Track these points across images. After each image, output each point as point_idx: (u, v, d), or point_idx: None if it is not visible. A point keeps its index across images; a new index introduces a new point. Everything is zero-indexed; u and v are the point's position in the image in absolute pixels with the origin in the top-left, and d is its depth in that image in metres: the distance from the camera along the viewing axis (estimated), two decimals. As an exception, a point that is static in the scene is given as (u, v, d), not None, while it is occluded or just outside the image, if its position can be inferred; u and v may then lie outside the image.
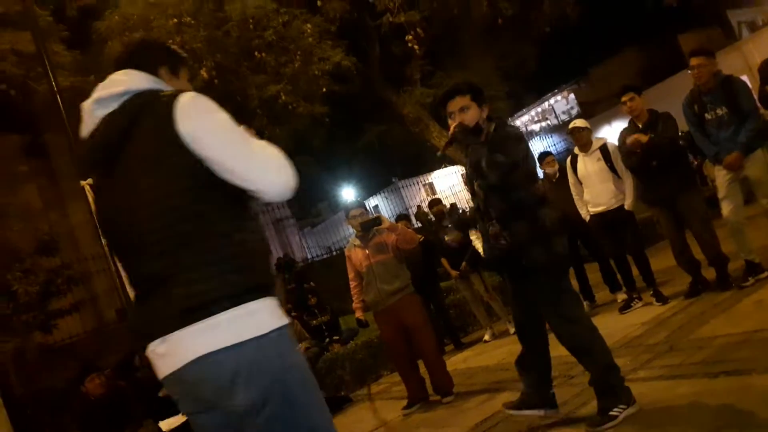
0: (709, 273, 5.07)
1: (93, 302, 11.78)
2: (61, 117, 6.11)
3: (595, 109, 29.57)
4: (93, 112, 1.66)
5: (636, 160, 5.03)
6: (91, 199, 5.94)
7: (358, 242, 5.13)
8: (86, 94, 1.75)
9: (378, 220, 4.99)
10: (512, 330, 6.66)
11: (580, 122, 5.75)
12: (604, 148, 5.49)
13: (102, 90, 1.66)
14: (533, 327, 3.35)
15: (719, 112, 4.70)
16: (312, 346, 6.29)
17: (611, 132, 22.64)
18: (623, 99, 5.15)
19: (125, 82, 1.66)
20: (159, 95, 1.63)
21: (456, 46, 12.68)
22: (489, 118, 3.29)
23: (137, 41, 2.00)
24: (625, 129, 5.32)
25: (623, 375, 3.65)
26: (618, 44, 30.93)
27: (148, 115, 1.59)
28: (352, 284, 5.25)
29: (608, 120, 26.76)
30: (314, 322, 7.90)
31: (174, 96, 1.60)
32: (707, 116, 4.77)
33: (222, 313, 1.51)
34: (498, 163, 3.02)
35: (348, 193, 32.31)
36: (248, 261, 1.60)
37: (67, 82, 8.24)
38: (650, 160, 4.94)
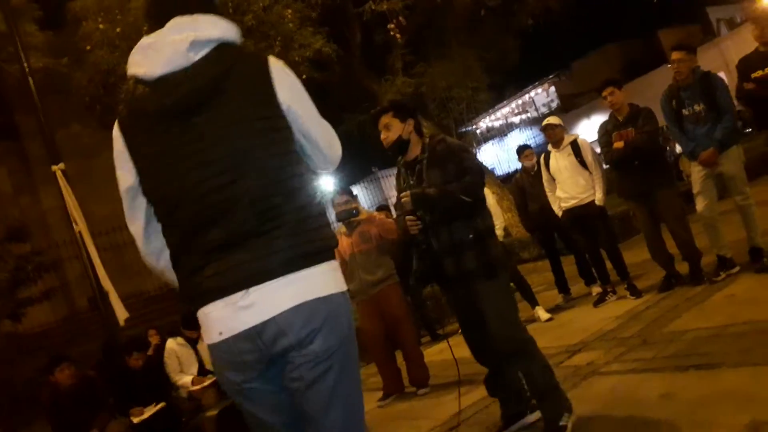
0: (683, 267, 5.13)
1: (64, 290, 11.58)
2: (32, 99, 5.95)
3: (575, 102, 29.81)
4: (186, 52, 1.57)
5: (618, 156, 5.05)
6: (63, 184, 5.82)
7: (344, 230, 5.10)
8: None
9: (354, 211, 4.90)
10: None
11: (553, 119, 5.80)
12: (574, 144, 5.57)
13: (195, 32, 1.59)
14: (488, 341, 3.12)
15: (696, 108, 4.73)
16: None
17: (590, 125, 22.82)
18: (604, 93, 5.17)
19: (219, 29, 1.63)
20: (251, 54, 1.70)
21: (438, 35, 12.61)
22: (422, 132, 3.28)
23: None
24: (605, 122, 5.34)
25: (597, 368, 3.69)
26: (600, 39, 31.20)
27: (247, 73, 1.62)
28: None
29: (588, 113, 26.99)
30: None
31: (265, 60, 1.65)
32: (684, 112, 4.80)
33: (319, 265, 1.62)
34: (461, 189, 2.97)
35: (327, 183, 32.18)
36: (327, 222, 1.71)
37: (40, 63, 8.03)
38: (633, 159, 4.97)
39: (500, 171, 23.37)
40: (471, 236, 3.01)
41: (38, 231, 11.11)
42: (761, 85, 4.37)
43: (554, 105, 32.15)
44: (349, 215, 4.84)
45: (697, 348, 3.45)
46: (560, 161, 5.59)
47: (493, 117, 31.87)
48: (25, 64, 5.81)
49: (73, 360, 5.39)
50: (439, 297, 7.58)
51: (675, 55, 4.76)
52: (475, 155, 3.25)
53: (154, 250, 1.75)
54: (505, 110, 32.50)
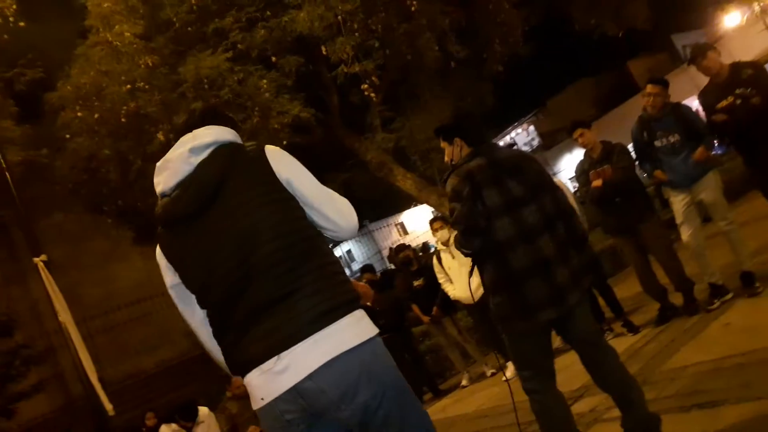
0: (677, 298, 5.08)
1: (59, 379, 11.33)
2: (11, 193, 5.98)
3: (555, 139, 30.26)
4: (188, 158, 1.80)
5: (598, 194, 5.08)
6: (45, 276, 5.77)
7: None
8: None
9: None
10: (489, 372, 6.57)
11: None
12: None
13: (193, 141, 1.83)
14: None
15: (671, 138, 4.77)
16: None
17: (573, 159, 23.10)
18: (574, 136, 5.24)
19: (212, 134, 1.86)
20: (244, 145, 1.87)
21: (413, 90, 12.87)
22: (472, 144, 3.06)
23: (204, 108, 2.10)
24: (581, 161, 5.39)
25: (600, 414, 3.60)
26: (572, 74, 31.93)
27: (244, 161, 1.81)
28: None
29: (569, 148, 27.37)
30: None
31: (260, 146, 1.86)
32: (657, 143, 4.84)
33: (343, 318, 1.72)
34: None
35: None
36: (346, 277, 1.84)
37: (18, 156, 8.11)
38: (613, 196, 4.99)
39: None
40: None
41: (30, 320, 10.97)
42: (731, 114, 4.44)
43: (535, 143, 32.64)
44: None
45: (699, 385, 3.38)
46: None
47: (477, 161, 32.27)
48: (1, 160, 5.85)
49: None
50: (439, 350, 7.46)
51: (651, 89, 4.83)
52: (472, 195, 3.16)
53: (216, 346, 1.87)
54: (489, 153, 32.91)
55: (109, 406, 5.48)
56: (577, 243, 2.98)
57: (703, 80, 4.83)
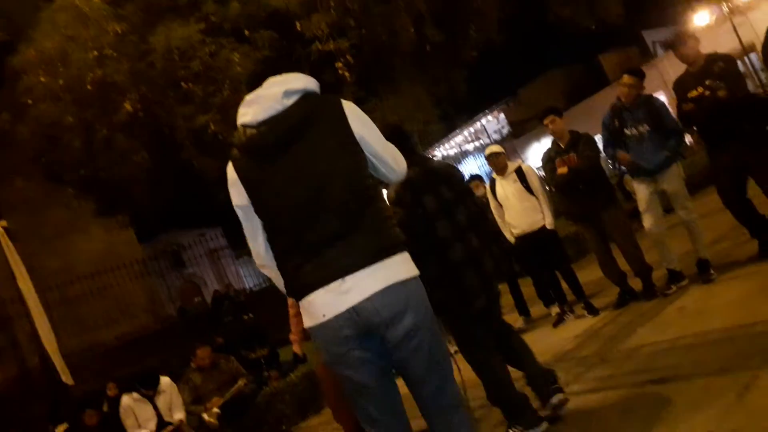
0: (636, 283, 5.25)
1: (16, 348, 11.08)
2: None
3: (524, 128, 30.59)
4: (281, 99, 2.07)
5: (562, 181, 5.18)
6: (5, 243, 5.62)
7: None
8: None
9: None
10: (452, 350, 6.66)
11: (495, 148, 5.94)
12: (519, 170, 5.68)
13: (285, 84, 2.09)
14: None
15: (641, 129, 4.90)
16: (250, 382, 6.09)
17: (541, 148, 23.42)
18: (545, 122, 5.33)
19: (302, 81, 2.13)
20: (328, 97, 2.15)
21: (387, 72, 12.82)
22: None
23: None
24: (548, 149, 5.49)
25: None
26: (544, 65, 32.22)
27: (326, 111, 2.09)
28: (291, 311, 4.71)
29: (538, 137, 27.71)
30: (252, 355, 7.68)
31: (339, 101, 2.12)
32: (627, 132, 4.95)
33: (397, 255, 2.06)
34: None
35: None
36: (395, 223, 2.15)
37: (-24, 121, 7.82)
38: (577, 183, 5.11)
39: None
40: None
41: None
42: (698, 104, 4.57)
43: (505, 131, 32.93)
44: None
45: (653, 363, 3.52)
46: (506, 188, 5.71)
47: (447, 146, 32.40)
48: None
49: (23, 425, 5.13)
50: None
51: (628, 80, 4.92)
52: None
53: (270, 262, 2.18)
54: (459, 139, 33.07)
55: (68, 377, 5.40)
56: (493, 237, 3.31)
57: (672, 77, 4.95)
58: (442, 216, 3.17)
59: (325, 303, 2.02)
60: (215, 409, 5.55)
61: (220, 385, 5.82)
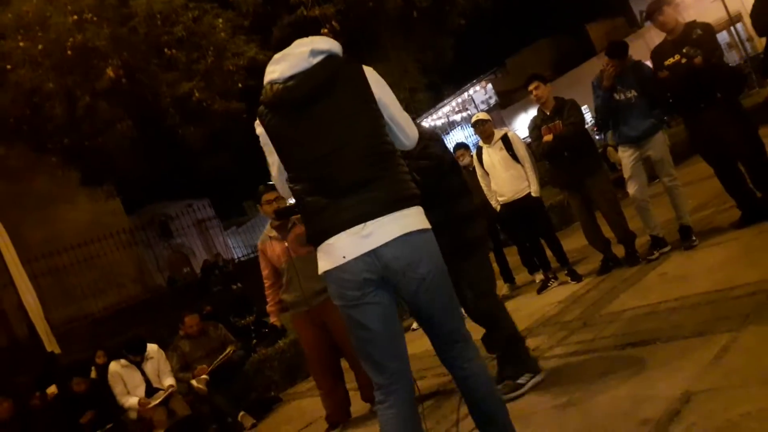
0: (619, 250, 5.32)
1: (2, 318, 11.05)
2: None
3: (512, 98, 30.53)
4: (308, 57, 2.18)
5: (548, 148, 5.20)
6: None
7: (274, 233, 4.39)
8: None
9: (295, 207, 4.32)
10: (414, 326, 6.72)
11: (481, 115, 5.91)
12: (505, 138, 5.69)
13: (312, 44, 2.20)
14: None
15: (629, 95, 4.90)
16: (238, 349, 6.14)
17: (528, 118, 23.43)
18: (530, 88, 5.31)
19: (328, 44, 2.24)
20: (351, 60, 2.25)
21: (374, 39, 12.68)
22: None
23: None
24: (534, 117, 5.49)
25: (542, 353, 3.80)
26: (531, 35, 32.05)
27: (350, 72, 2.21)
28: (267, 283, 4.56)
29: (525, 107, 27.69)
30: (241, 322, 7.73)
31: (361, 66, 2.24)
32: (616, 96, 4.95)
33: (414, 207, 2.20)
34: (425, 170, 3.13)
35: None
36: (412, 177, 2.28)
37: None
38: (562, 150, 5.12)
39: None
40: (444, 220, 3.12)
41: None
42: (673, 72, 4.58)
43: (492, 101, 32.82)
44: (291, 212, 4.15)
45: (634, 327, 3.59)
46: (493, 156, 5.72)
47: (435, 116, 32.27)
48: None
49: (12, 392, 5.15)
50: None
51: (608, 62, 4.86)
52: (440, 143, 3.43)
53: (284, 186, 2.39)
54: (446, 109, 32.93)
55: (54, 345, 5.41)
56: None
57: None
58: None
59: (346, 245, 2.12)
60: (204, 376, 5.60)
61: (209, 352, 5.85)
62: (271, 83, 2.24)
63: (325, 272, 2.20)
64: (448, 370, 2.38)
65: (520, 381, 3.26)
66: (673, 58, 4.55)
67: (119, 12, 8.91)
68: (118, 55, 8.73)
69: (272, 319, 4.64)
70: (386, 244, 2.10)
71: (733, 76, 4.83)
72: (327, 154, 2.15)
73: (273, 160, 2.35)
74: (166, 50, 9.13)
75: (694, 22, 4.70)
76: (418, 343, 4.14)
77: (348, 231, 2.11)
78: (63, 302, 13.48)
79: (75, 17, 8.48)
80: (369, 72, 2.25)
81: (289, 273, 4.33)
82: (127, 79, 8.98)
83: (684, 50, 4.50)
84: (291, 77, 2.19)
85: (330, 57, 2.21)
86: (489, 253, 3.53)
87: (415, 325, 6.84)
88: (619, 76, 4.88)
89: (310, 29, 2.30)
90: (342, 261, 2.13)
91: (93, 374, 6.50)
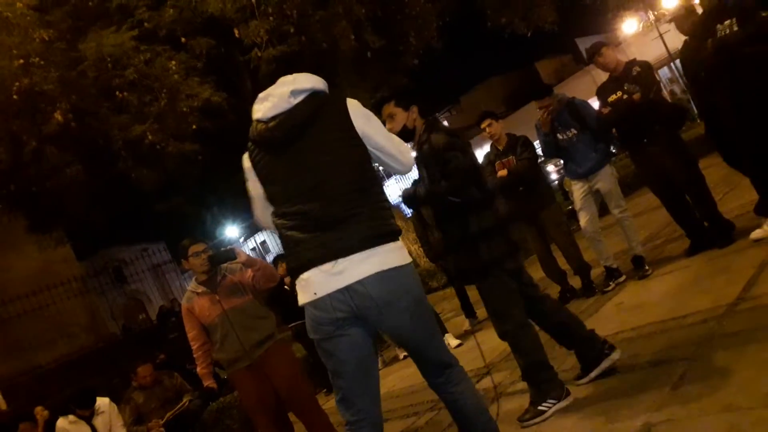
0: (576, 281, 5.39)
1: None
2: None
3: (467, 135, 31.08)
4: (288, 98, 2.25)
5: (502, 183, 5.28)
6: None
7: (201, 289, 4.07)
8: None
9: (231, 253, 3.92)
10: (401, 355, 6.69)
11: None
12: None
13: (294, 84, 2.27)
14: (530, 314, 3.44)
15: (569, 134, 5.07)
16: (195, 398, 5.91)
17: (482, 155, 23.87)
18: (482, 125, 5.42)
19: (310, 82, 2.30)
20: (332, 96, 2.33)
21: (329, 78, 12.77)
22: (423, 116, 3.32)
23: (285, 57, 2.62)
24: (487, 153, 5.60)
25: (504, 389, 3.76)
26: (484, 73, 33.00)
27: (331, 109, 2.27)
28: (195, 345, 4.19)
29: (480, 144, 28.18)
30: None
31: (344, 100, 2.30)
32: (559, 136, 5.11)
33: (391, 243, 2.21)
34: (441, 191, 3.15)
35: (232, 231, 31.37)
36: (393, 213, 2.31)
37: None
38: (516, 184, 5.22)
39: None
40: (461, 237, 3.16)
41: None
42: (615, 108, 4.76)
43: (449, 137, 33.36)
44: (227, 258, 3.93)
45: (593, 358, 3.60)
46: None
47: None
48: None
49: None
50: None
51: (541, 103, 5.06)
52: (463, 151, 3.20)
53: (266, 220, 2.43)
54: (404, 146, 33.36)
55: (1, 401, 5.10)
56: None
57: (603, 80, 5.12)
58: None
59: (318, 282, 2.15)
60: (160, 429, 5.35)
61: (164, 402, 5.61)
62: (257, 122, 2.33)
63: (302, 305, 2.25)
64: (437, 395, 2.42)
65: (541, 407, 3.16)
66: (615, 95, 4.74)
67: (67, 56, 8.74)
68: (67, 99, 8.51)
69: (207, 382, 4.29)
70: (360, 282, 2.12)
71: (674, 111, 5.04)
72: (309, 190, 2.21)
73: (257, 194, 2.40)
74: (117, 93, 8.97)
75: (633, 60, 4.92)
76: (382, 382, 4.07)
77: (320, 267, 2.15)
78: (9, 355, 12.84)
79: (21, 61, 8.28)
80: (352, 105, 2.30)
81: (223, 328, 3.97)
82: (76, 123, 8.75)
83: (625, 87, 4.70)
84: (273, 117, 2.27)
85: (312, 95, 2.27)
86: (513, 270, 3.33)
87: (402, 354, 6.72)
88: (556, 119, 5.05)
89: (296, 64, 2.35)
90: (313, 297, 2.16)
91: (39, 430, 6.14)
